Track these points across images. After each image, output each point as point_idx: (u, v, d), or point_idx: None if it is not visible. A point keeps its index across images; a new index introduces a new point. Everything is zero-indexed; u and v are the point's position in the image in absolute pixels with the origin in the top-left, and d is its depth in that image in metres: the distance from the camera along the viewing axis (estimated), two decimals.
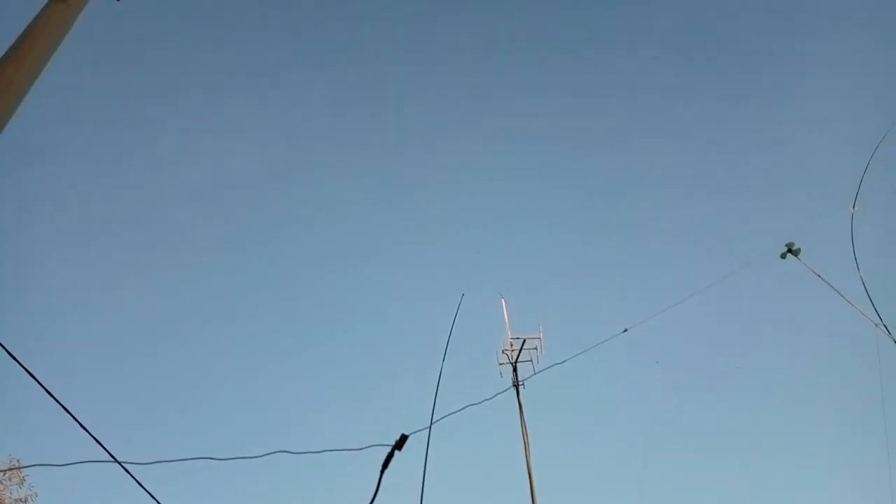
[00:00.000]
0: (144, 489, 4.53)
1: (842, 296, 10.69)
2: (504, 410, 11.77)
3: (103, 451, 4.41)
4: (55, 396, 4.39)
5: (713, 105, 40.05)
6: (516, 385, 11.38)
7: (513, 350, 11.93)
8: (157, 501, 4.60)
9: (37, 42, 4.17)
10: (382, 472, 5.62)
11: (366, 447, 5.82)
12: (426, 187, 40.89)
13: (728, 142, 38.62)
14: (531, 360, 11.74)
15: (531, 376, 11.35)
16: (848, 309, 10.58)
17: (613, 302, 32.96)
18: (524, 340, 11.91)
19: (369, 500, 5.22)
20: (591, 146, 40.86)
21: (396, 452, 5.69)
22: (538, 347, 11.93)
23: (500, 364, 11.83)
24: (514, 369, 11.60)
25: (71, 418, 4.42)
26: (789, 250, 12.44)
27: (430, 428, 6.51)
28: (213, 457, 5.25)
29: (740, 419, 32.79)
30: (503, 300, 12.67)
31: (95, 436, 4.46)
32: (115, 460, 4.41)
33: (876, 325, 10.23)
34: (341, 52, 40.40)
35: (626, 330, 11.00)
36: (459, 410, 7.74)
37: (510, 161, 41.87)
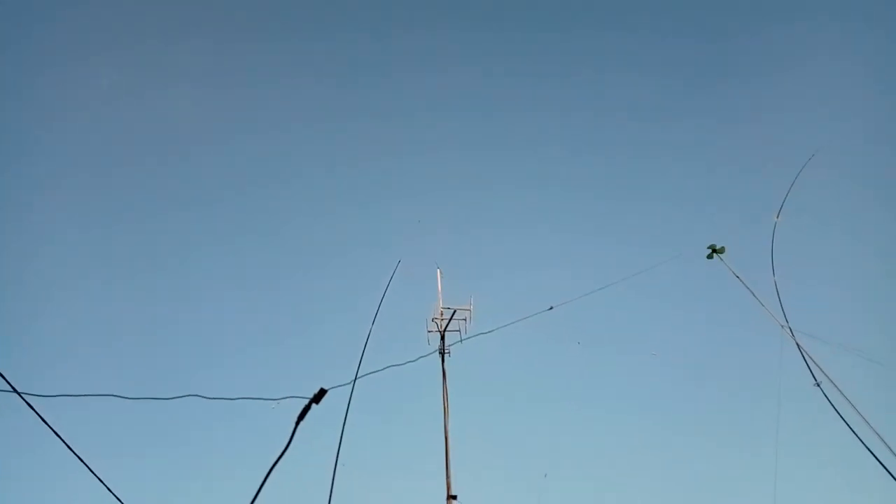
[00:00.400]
0: (45, 421, 4.38)
1: (755, 296, 11.35)
2: (429, 381, 11.99)
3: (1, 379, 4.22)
4: None
5: (665, 113, 41.18)
6: (441, 353, 11.61)
7: (442, 319, 12.13)
8: (58, 435, 4.46)
9: None
10: (298, 423, 5.65)
11: (283, 398, 5.83)
12: (374, 156, 40.50)
13: (672, 150, 39.93)
14: (459, 331, 12.00)
15: (456, 343, 11.63)
16: (759, 310, 11.26)
17: (546, 281, 33.84)
18: (454, 311, 12.11)
19: (282, 452, 5.27)
20: (538, 121, 41.33)
21: (315, 406, 5.72)
22: (467, 319, 12.18)
23: (429, 332, 12.02)
24: (442, 337, 11.83)
25: None
26: (714, 251, 13.12)
27: (354, 383, 6.57)
28: (121, 395, 5.12)
29: (649, 401, 34.74)
30: (439, 270, 12.82)
31: None
32: (15, 390, 4.22)
33: (782, 326, 10.94)
34: None
35: (551, 308, 11.38)
36: (382, 370, 7.85)
37: (460, 132, 41.87)
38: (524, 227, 39.59)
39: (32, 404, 4.36)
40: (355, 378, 6.76)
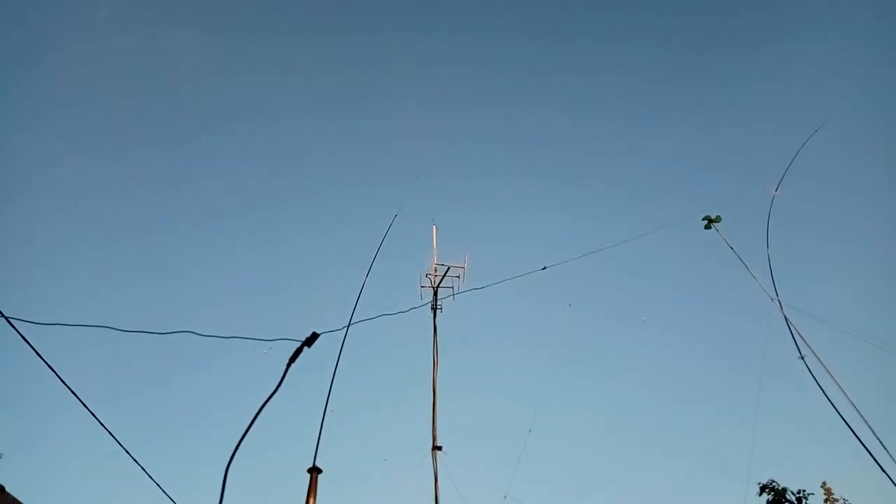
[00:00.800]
0: (33, 348, 4.33)
1: (746, 267, 11.41)
2: (420, 336, 12.06)
3: None
4: None
5: (671, 79, 40.62)
6: (434, 308, 11.66)
7: (436, 275, 12.15)
8: (49, 365, 4.43)
9: None
10: (289, 365, 5.69)
11: (276, 339, 5.85)
12: (374, 107, 40.00)
13: (681, 113, 39.53)
14: (452, 288, 12.03)
15: (448, 298, 11.67)
16: (750, 281, 11.33)
17: (540, 242, 34.02)
18: (448, 268, 12.12)
19: (273, 391, 5.33)
20: (540, 79, 40.79)
21: (307, 351, 5.76)
22: (461, 277, 12.19)
23: (422, 287, 12.06)
24: (435, 293, 11.86)
25: None
26: (710, 221, 13.10)
27: (347, 329, 6.59)
28: (116, 327, 5.12)
29: (634, 362, 35.45)
30: (434, 226, 12.77)
31: None
32: (2, 315, 4.14)
33: (772, 299, 11.02)
34: None
35: (545, 267, 11.35)
36: (374, 318, 7.89)
37: (461, 89, 41.29)
38: (523, 188, 39.51)
39: (22, 331, 4.31)
40: (349, 324, 6.79)
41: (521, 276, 11.23)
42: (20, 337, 4.25)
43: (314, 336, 5.85)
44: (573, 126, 40.99)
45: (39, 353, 4.59)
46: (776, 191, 13.15)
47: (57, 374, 5.26)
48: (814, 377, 9.43)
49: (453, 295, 11.79)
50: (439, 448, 9.93)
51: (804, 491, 12.14)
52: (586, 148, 41.33)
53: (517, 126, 40.79)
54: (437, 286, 11.99)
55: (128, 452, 5.83)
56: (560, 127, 41.16)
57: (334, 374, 6.63)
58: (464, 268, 12.21)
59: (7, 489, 4.57)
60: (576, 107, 40.87)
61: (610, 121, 40.20)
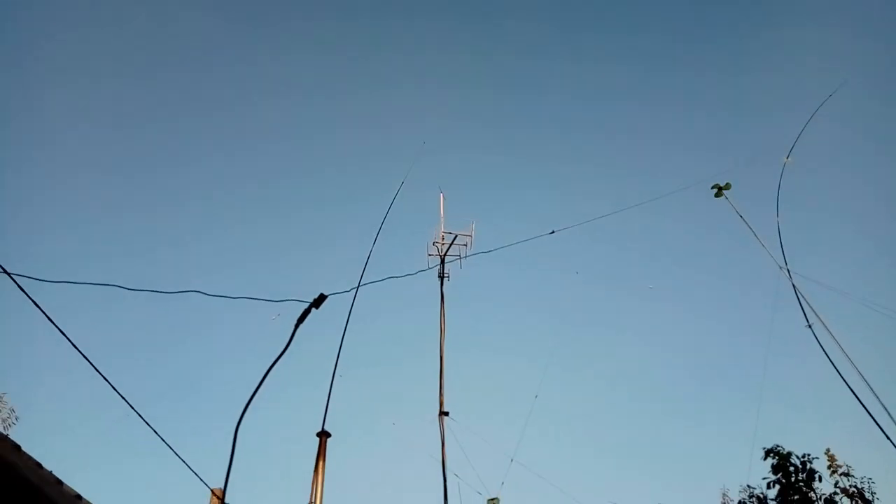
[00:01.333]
0: (37, 305, 4.27)
1: (755, 235, 11.28)
2: (427, 303, 12.05)
3: None
4: None
5: (680, 40, 39.90)
6: (441, 276, 11.65)
7: (443, 243, 12.10)
8: (52, 321, 4.37)
9: None
10: (297, 326, 5.68)
11: (284, 300, 5.83)
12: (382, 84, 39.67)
13: (687, 71, 38.89)
14: (459, 256, 11.99)
15: (454, 262, 11.63)
16: (759, 249, 11.23)
17: (546, 207, 33.83)
18: (455, 236, 12.07)
19: (281, 353, 5.33)
20: (546, 55, 40.19)
21: (315, 311, 5.75)
22: (468, 245, 12.15)
23: (430, 255, 12.02)
24: (442, 261, 11.83)
25: None
26: (719, 188, 12.94)
27: (356, 291, 6.57)
28: (123, 286, 5.09)
29: (642, 329, 35.58)
30: (441, 194, 12.69)
31: None
32: (5, 271, 4.05)
33: (781, 267, 10.94)
34: None
35: (553, 231, 11.25)
36: (382, 280, 7.88)
37: (468, 63, 40.79)
38: (530, 153, 39.20)
39: (27, 289, 4.26)
40: (357, 286, 6.78)
41: (529, 239, 11.15)
42: (25, 295, 4.20)
43: (322, 297, 5.83)
44: (580, 91, 40.41)
45: (46, 312, 4.56)
46: (787, 158, 12.98)
47: (65, 335, 5.25)
48: (821, 345, 9.37)
49: (460, 260, 11.76)
50: (446, 413, 10.00)
51: (809, 455, 12.22)
52: (594, 113, 40.82)
53: (522, 91, 40.25)
54: (445, 254, 11.96)
55: (139, 415, 5.86)
56: (567, 89, 40.57)
57: (343, 337, 6.65)
58: (471, 236, 12.16)
59: (23, 448, 4.60)
60: (583, 70, 40.21)
61: (618, 85, 39.58)
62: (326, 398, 7.05)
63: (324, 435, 7.05)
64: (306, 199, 39.19)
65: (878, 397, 8.59)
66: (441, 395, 10.22)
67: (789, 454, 12.15)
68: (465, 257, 11.77)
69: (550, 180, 39.46)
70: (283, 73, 38.74)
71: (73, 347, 5.47)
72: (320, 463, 6.94)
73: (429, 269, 11.02)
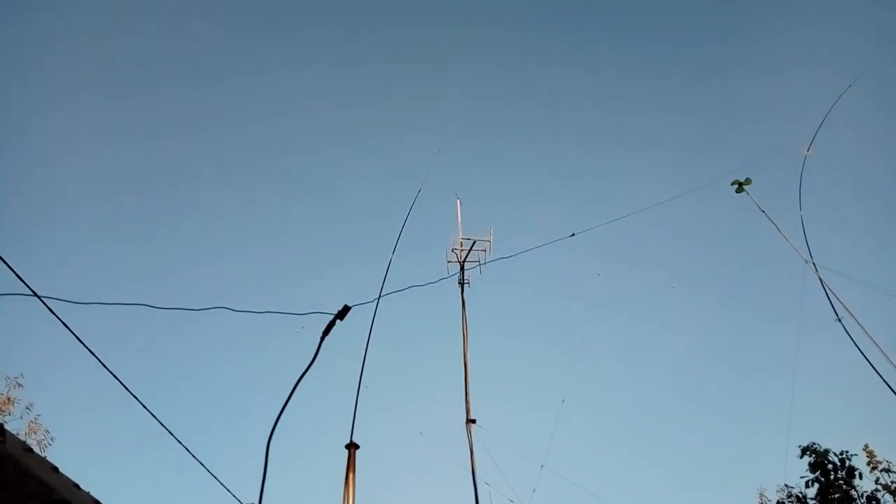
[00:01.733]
0: (65, 326, 4.35)
1: (779, 230, 11.14)
2: (449, 311, 12.04)
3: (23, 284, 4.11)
4: None
5: (690, 36, 39.58)
6: (461, 283, 11.64)
7: (462, 250, 12.10)
8: (80, 341, 4.45)
9: None
10: (322, 338, 5.71)
11: (308, 313, 5.87)
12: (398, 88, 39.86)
13: (703, 70, 38.51)
14: (478, 262, 11.97)
15: (474, 268, 11.62)
16: (783, 243, 11.07)
17: (565, 212, 33.60)
18: (474, 241, 12.06)
19: (308, 365, 5.37)
20: (555, 56, 40.08)
21: (339, 323, 5.78)
22: (487, 250, 12.13)
23: (449, 262, 12.02)
24: (462, 268, 11.82)
25: None
26: (740, 184, 12.80)
27: (378, 301, 6.61)
28: (151, 304, 5.16)
29: (668, 330, 35.13)
30: (458, 201, 12.69)
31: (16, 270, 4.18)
32: (35, 294, 4.14)
33: (806, 261, 10.77)
34: None
35: (573, 234, 11.20)
36: (404, 289, 7.91)
37: (480, 60, 40.83)
38: (548, 155, 39.07)
39: (57, 310, 4.33)
40: (379, 296, 6.82)
41: (549, 243, 11.12)
42: (55, 317, 4.29)
43: (346, 309, 5.86)
44: (599, 92, 40.18)
45: (74, 332, 4.64)
46: (808, 151, 12.81)
47: (95, 355, 5.34)
48: (851, 339, 9.22)
49: (479, 266, 11.75)
50: (473, 421, 9.95)
51: (847, 452, 11.93)
52: (611, 114, 40.55)
53: (538, 93, 40.07)
54: (464, 260, 11.95)
55: (171, 433, 5.92)
56: (585, 93, 40.36)
57: (367, 348, 6.68)
58: (489, 241, 12.14)
59: (60, 470, 4.65)
60: (600, 74, 40.01)
61: (636, 82, 39.29)
62: (353, 410, 7.07)
63: (352, 447, 7.05)
64: (325, 212, 39.47)
65: None
66: (467, 402, 10.19)
67: (826, 451, 11.89)
68: (485, 263, 11.77)
69: (570, 190, 39.22)
70: (295, 84, 39.08)
71: (102, 366, 5.55)
72: (350, 475, 6.94)
73: (449, 276, 11.04)
